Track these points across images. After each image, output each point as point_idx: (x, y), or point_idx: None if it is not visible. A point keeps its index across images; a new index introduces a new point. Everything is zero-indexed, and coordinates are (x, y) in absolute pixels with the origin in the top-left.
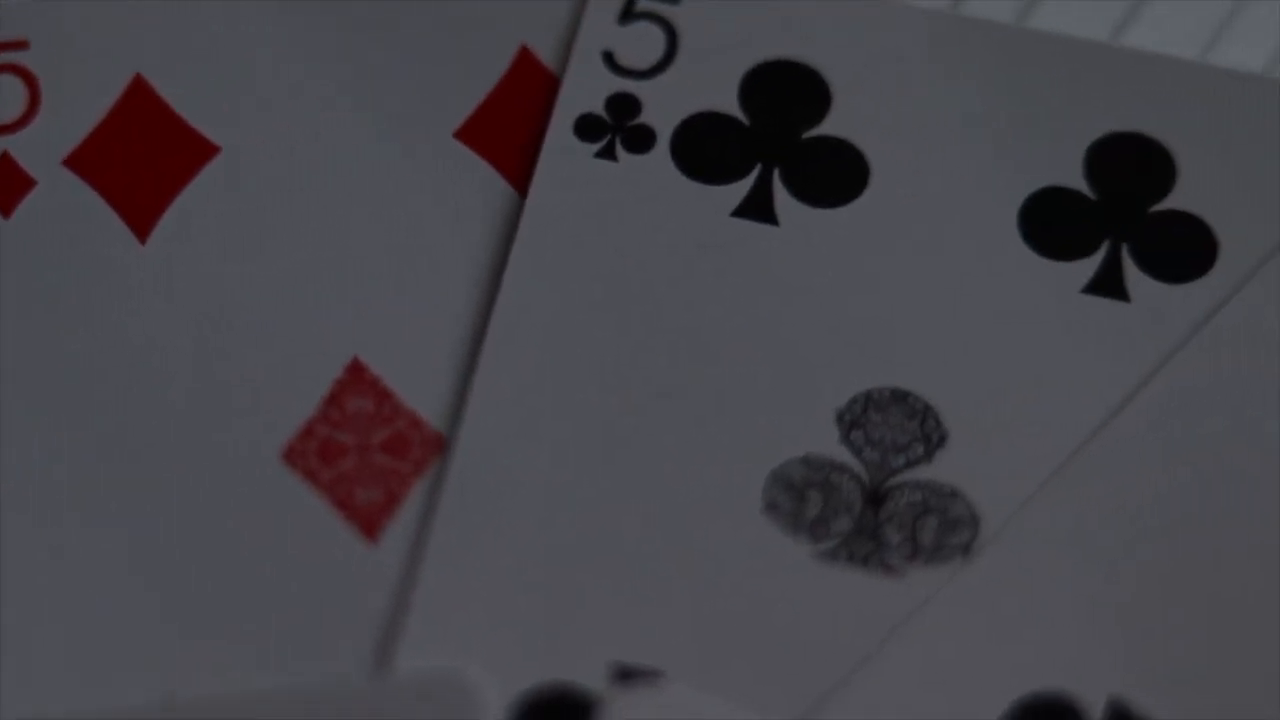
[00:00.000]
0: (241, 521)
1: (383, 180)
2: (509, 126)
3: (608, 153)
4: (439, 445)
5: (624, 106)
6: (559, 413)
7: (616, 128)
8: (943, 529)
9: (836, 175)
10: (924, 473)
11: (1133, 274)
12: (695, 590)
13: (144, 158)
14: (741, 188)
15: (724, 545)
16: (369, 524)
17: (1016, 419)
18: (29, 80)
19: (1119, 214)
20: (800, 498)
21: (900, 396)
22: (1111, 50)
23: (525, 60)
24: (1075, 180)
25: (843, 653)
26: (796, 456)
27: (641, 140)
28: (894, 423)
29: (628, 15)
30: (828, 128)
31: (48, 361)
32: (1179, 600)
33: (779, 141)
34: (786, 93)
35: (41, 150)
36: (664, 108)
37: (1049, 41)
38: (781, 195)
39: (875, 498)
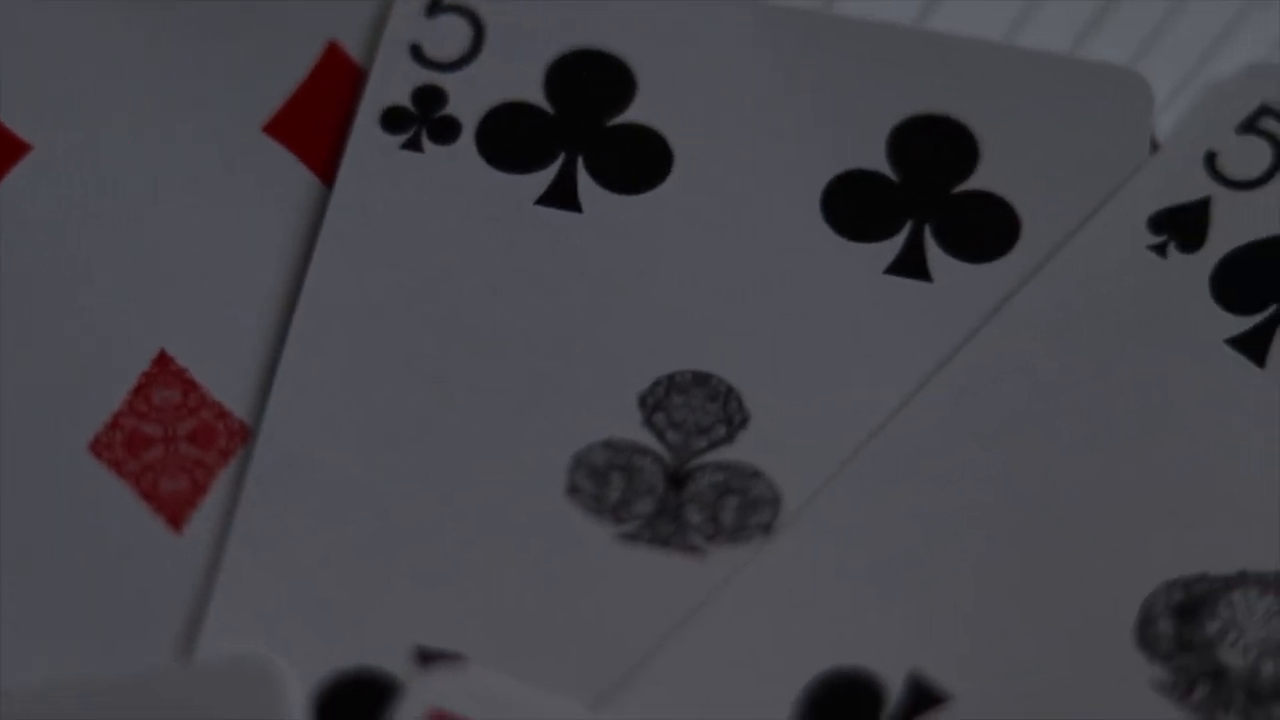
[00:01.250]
0: (48, 513)
1: (192, 175)
2: (317, 121)
3: (414, 144)
4: (244, 435)
5: (430, 98)
6: (363, 401)
7: (422, 119)
8: (744, 509)
9: (640, 162)
10: (726, 454)
11: (935, 254)
12: (498, 574)
13: None
14: (546, 176)
15: (527, 529)
16: (174, 514)
17: (819, 399)
18: None
19: (922, 195)
20: (603, 481)
21: (702, 379)
22: (915, 34)
23: (334, 55)
24: (878, 163)
25: (645, 633)
26: (599, 440)
27: (447, 131)
28: (696, 405)
29: (435, 8)
30: (632, 115)
31: None
32: (976, 577)
33: (583, 130)
34: (591, 81)
35: None
36: (469, 99)
37: (852, 26)
38: (585, 183)
39: (678, 479)
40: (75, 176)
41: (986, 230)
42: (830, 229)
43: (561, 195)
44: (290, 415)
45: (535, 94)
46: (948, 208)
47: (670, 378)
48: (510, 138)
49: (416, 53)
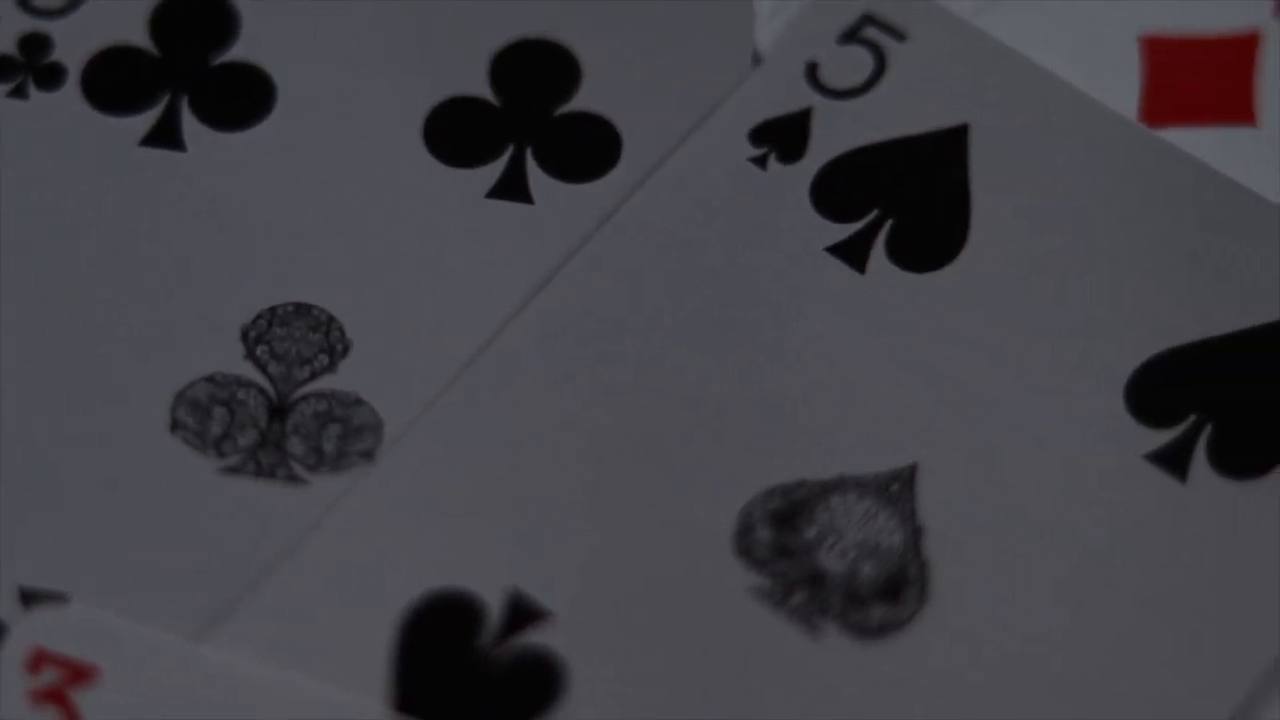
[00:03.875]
0: None
1: None
2: None
3: (19, 92)
4: None
5: (35, 45)
6: None
7: (28, 67)
8: (346, 437)
9: (243, 99)
10: (329, 383)
11: (536, 176)
12: (102, 511)
13: None
14: (151, 117)
15: (130, 466)
16: None
17: (421, 325)
18: None
19: (523, 119)
20: (205, 415)
21: (304, 310)
22: None
23: None
24: (480, 89)
25: (249, 564)
26: (201, 376)
27: (52, 77)
28: (298, 336)
29: None
30: (235, 54)
31: None
32: (576, 493)
33: (187, 70)
34: (193, 22)
35: None
36: (75, 44)
37: None
38: (190, 122)
39: (280, 410)
40: None
41: (588, 150)
42: (432, 156)
43: (166, 135)
44: None
45: (140, 37)
46: (549, 130)
47: (272, 310)
48: (115, 81)
49: (23, 2)
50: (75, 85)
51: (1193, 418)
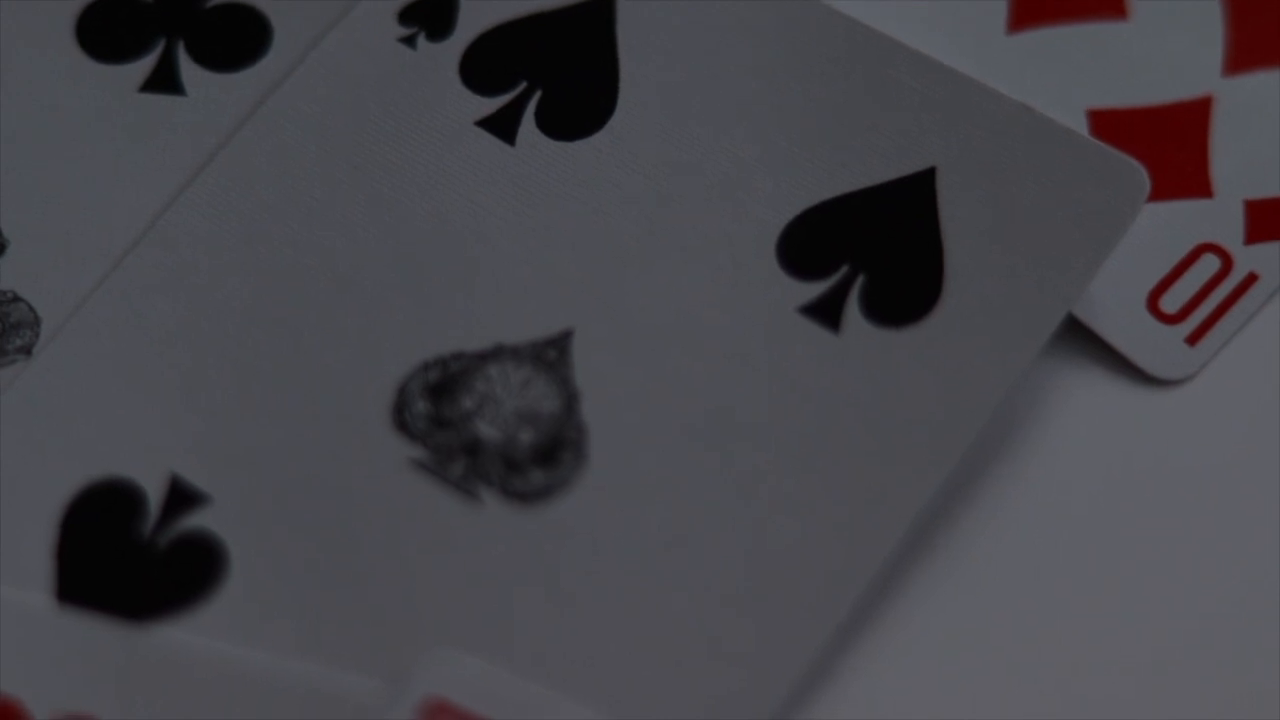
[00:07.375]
0: None
1: None
2: None
3: None
4: None
5: None
6: None
7: None
8: (4, 333)
9: None
10: None
11: (188, 69)
12: None
13: None
14: None
15: None
16: None
17: (77, 221)
18: None
19: (173, 12)
20: None
21: None
22: None
23: None
24: None
25: None
26: None
27: None
28: None
29: None
30: None
31: None
32: (231, 376)
33: None
34: None
35: None
36: None
37: None
38: None
39: None
40: None
41: (238, 41)
42: (84, 53)
43: None
44: None
45: None
46: (199, 22)
47: None
48: None
49: None
50: None
51: (844, 269)
